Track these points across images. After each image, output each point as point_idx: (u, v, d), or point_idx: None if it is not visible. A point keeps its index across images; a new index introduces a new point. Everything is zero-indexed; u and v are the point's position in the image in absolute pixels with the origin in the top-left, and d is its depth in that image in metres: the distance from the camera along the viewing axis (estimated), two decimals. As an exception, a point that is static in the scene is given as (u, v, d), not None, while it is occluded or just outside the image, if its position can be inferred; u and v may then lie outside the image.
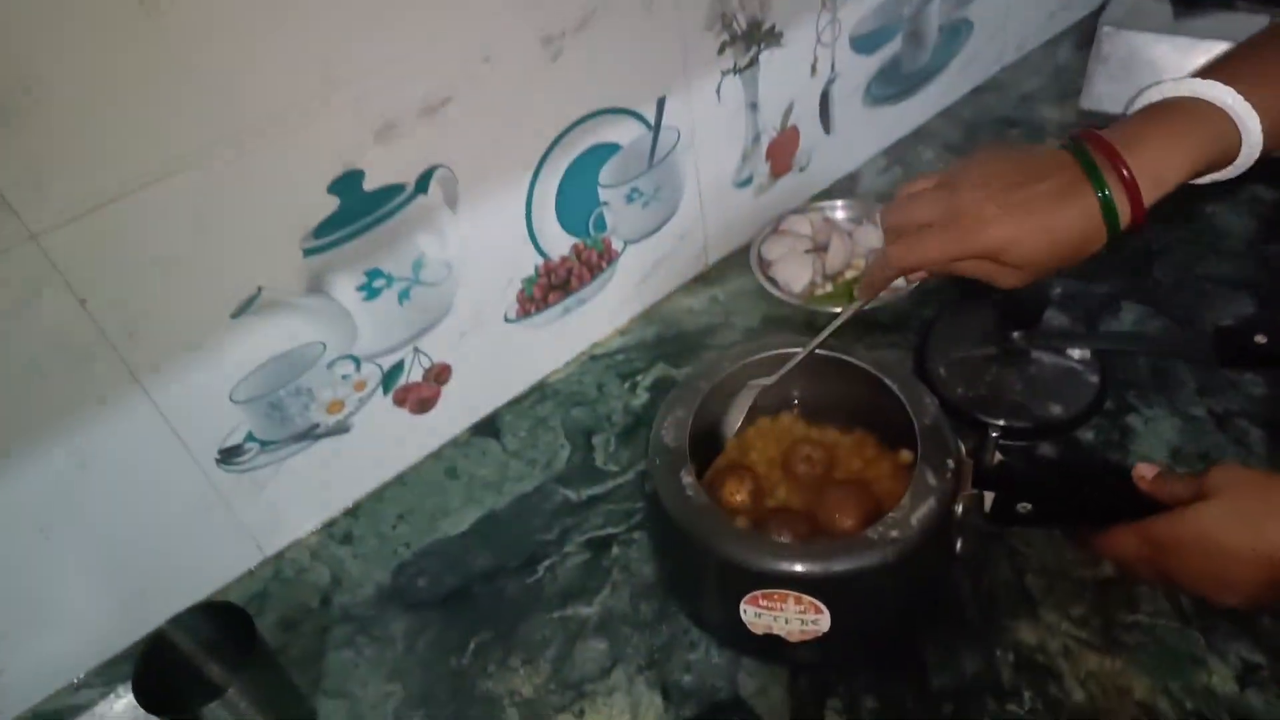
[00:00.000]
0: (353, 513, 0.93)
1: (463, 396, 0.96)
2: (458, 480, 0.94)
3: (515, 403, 1.01)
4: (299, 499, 0.90)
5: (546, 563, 0.86)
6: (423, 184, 0.82)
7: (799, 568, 0.65)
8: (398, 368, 0.90)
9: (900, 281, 1.02)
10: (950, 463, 0.69)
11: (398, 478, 0.95)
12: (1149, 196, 0.63)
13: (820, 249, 1.09)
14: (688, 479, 0.71)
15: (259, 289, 0.77)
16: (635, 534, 0.87)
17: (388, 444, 0.94)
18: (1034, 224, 0.63)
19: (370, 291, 0.84)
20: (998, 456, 0.69)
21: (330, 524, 0.92)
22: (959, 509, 0.69)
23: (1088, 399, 0.89)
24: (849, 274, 1.06)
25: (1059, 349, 0.91)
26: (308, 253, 0.78)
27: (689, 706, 0.75)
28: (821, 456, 0.78)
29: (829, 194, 1.22)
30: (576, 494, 0.91)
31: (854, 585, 0.65)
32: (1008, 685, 0.73)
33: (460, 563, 0.87)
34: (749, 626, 0.69)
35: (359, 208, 0.79)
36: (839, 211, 1.15)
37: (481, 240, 0.89)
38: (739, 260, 1.12)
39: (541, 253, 0.95)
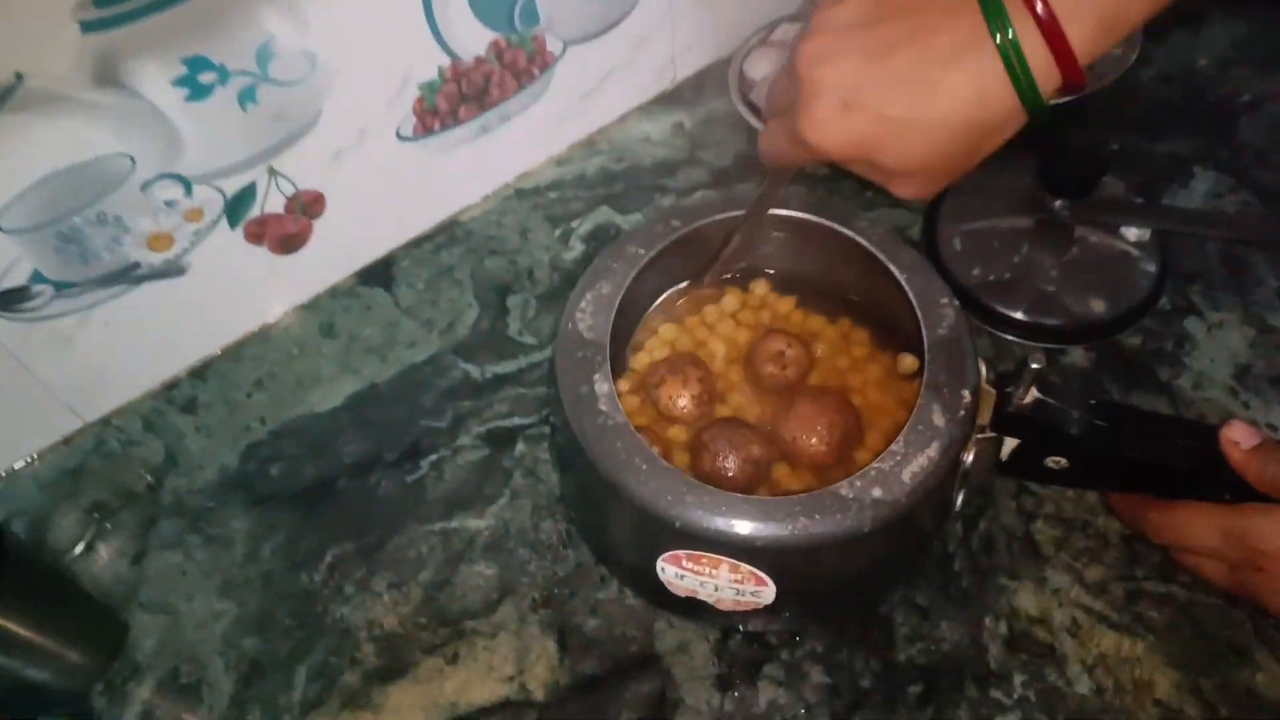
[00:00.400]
0: (200, 374, 0.74)
1: (342, 234, 0.75)
2: (334, 340, 0.75)
3: (415, 245, 0.80)
4: (125, 355, 0.70)
5: (432, 457, 0.68)
6: (261, -66, 0.58)
7: (738, 528, 0.47)
8: (246, 194, 0.68)
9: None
10: (966, 395, 0.50)
11: (260, 332, 0.76)
12: (1088, 40, 0.39)
13: (819, 70, 0.85)
14: (602, 385, 0.51)
15: (17, 76, 0.54)
16: (548, 428, 0.69)
17: (242, 290, 0.73)
18: (902, 107, 0.41)
19: (195, 89, 0.61)
20: (1033, 394, 0.50)
21: (171, 386, 0.73)
22: (968, 458, 0.50)
23: (1140, 293, 0.69)
24: (852, 106, 0.83)
25: (1112, 226, 0.70)
26: (87, 27, 0.55)
27: (590, 659, 0.59)
28: (798, 355, 0.58)
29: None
30: (480, 370, 0.72)
31: (813, 557, 0.48)
32: (995, 665, 0.57)
33: (325, 448, 0.69)
34: (667, 586, 0.52)
35: (160, -38, 0.55)
36: (848, 22, 0.90)
37: (358, 27, 0.65)
38: (714, 78, 0.88)
39: (447, 50, 0.71)
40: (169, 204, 0.65)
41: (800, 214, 0.58)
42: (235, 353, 0.75)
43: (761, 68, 0.84)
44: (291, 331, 0.75)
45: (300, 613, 0.62)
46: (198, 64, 0.60)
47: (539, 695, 0.58)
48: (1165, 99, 0.84)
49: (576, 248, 0.79)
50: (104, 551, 0.66)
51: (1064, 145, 0.66)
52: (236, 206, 0.68)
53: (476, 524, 0.65)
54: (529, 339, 0.74)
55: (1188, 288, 0.72)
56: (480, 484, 0.67)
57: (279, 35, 0.62)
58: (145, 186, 0.63)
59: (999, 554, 0.61)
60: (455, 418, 0.70)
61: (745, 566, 0.48)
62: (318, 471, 0.68)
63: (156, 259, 0.67)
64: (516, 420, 0.69)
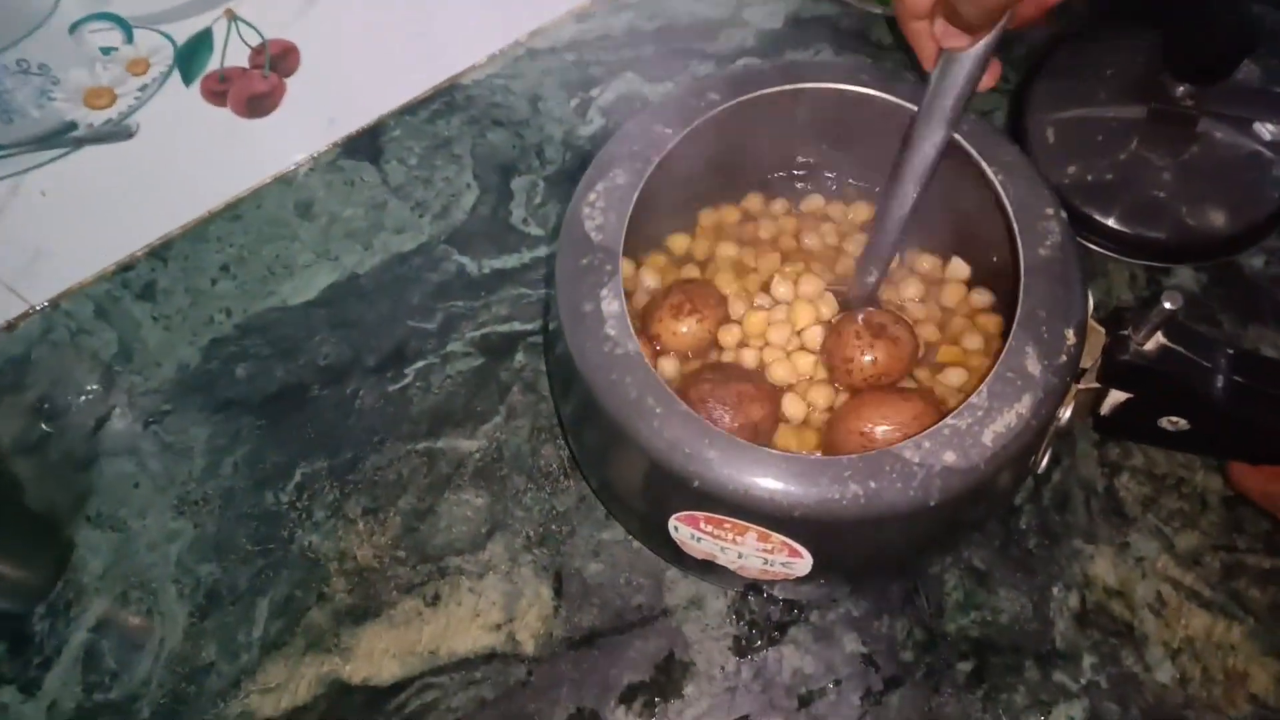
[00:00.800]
0: (159, 254, 0.64)
1: (322, 96, 0.64)
2: (312, 221, 0.65)
3: (408, 112, 0.68)
4: (71, 231, 0.61)
5: (419, 365, 0.59)
6: None
7: (773, 493, 0.38)
8: (201, 43, 0.57)
9: None
10: (1070, 336, 0.39)
11: (228, 209, 0.66)
12: None
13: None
14: (611, 304, 0.41)
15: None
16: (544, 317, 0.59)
17: (205, 159, 0.63)
18: None
19: (127, -95, 0.49)
20: (1158, 339, 0.39)
21: (126, 267, 0.64)
22: (1064, 414, 0.40)
23: (1269, 205, 0.57)
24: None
25: (1245, 120, 0.58)
26: None
27: (588, 610, 0.51)
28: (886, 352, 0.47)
29: None
30: (476, 264, 0.62)
31: (862, 531, 0.39)
32: (1061, 644, 0.49)
33: (298, 348, 0.60)
34: (680, 545, 0.43)
35: None
36: None
37: None
38: (769, -81, 0.74)
39: None
40: (106, 51, 0.54)
41: (858, 88, 0.46)
42: (199, 231, 0.65)
43: (826, -92, 0.70)
44: (264, 209, 0.65)
45: (264, 537, 0.55)
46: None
47: (529, 648, 0.50)
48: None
49: (595, 121, 0.67)
50: (49, 455, 0.58)
51: (1201, 13, 0.53)
52: (190, 58, 0.57)
53: (466, 445, 0.56)
54: (535, 229, 0.63)
55: (1327, 199, 0.59)
56: (472, 398, 0.58)
57: None
58: (74, 28, 0.52)
59: (1074, 512, 0.52)
60: (446, 319, 0.60)
61: (777, 536, 0.39)
62: (288, 375, 0.59)
63: (97, 118, 0.57)
64: (516, 325, 0.60)
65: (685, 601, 0.51)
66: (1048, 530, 0.51)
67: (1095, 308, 0.42)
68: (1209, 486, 0.52)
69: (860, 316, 0.46)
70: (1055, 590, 0.50)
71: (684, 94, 0.47)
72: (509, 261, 0.62)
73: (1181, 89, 0.57)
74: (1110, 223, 0.58)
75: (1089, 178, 0.58)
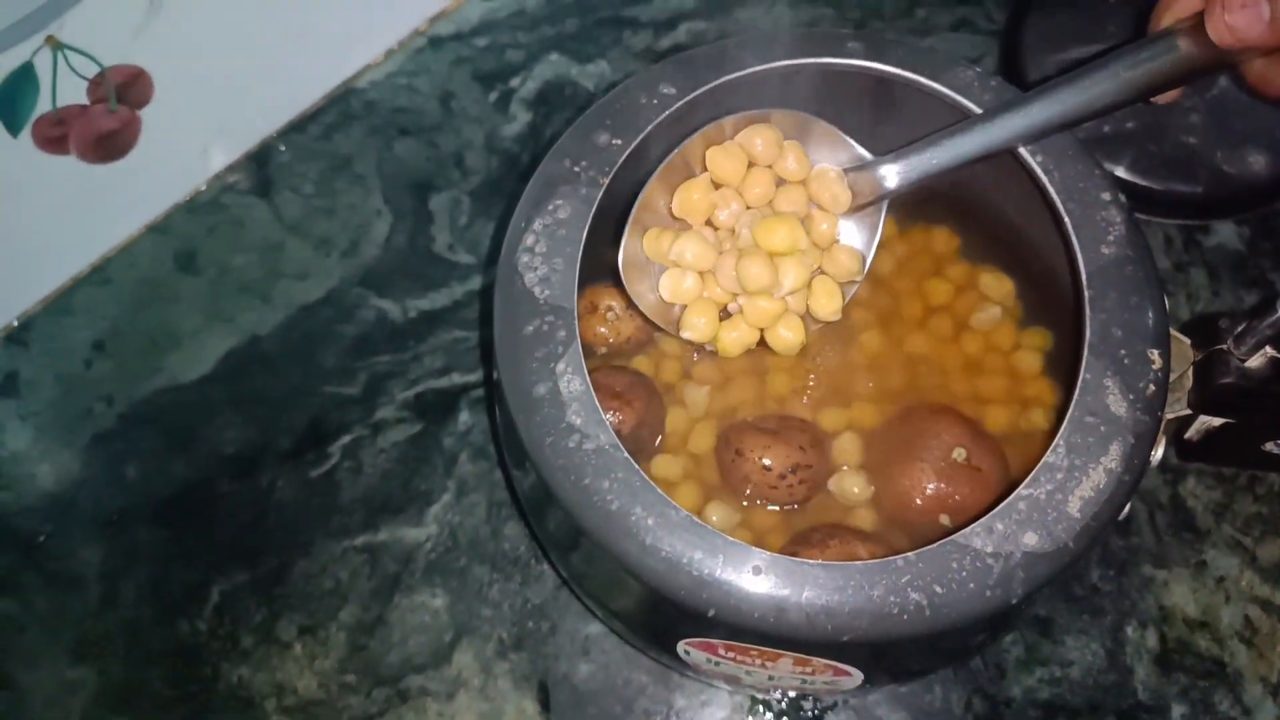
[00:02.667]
0: (18, 337, 0.53)
1: (188, 123, 0.53)
2: (196, 276, 0.54)
3: (297, 129, 0.57)
4: (-104, 325, 0.50)
5: (344, 440, 0.49)
6: None
7: (811, 616, 0.29)
8: (22, 81, 0.46)
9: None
10: (1155, 358, 0.31)
11: (94, 271, 0.55)
12: None
13: None
14: (571, 382, 0.32)
15: None
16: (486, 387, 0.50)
17: (56, 218, 0.52)
18: None
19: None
20: (1268, 352, 0.31)
21: (-22, 356, 0.53)
22: (1157, 454, 0.32)
23: (1313, 140, 0.49)
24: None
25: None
26: None
27: (585, 721, 0.43)
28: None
29: None
30: (400, 307, 0.52)
31: (927, 644, 0.30)
32: (1144, 694, 0.41)
33: (197, 435, 0.50)
34: (695, 668, 0.35)
35: None
36: None
37: None
38: None
39: None
40: (-105, 107, 0.43)
41: (867, 63, 0.37)
42: (62, 304, 0.54)
43: None
44: (137, 267, 0.54)
45: (183, 677, 0.45)
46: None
47: (519, 780, 0.42)
48: None
49: (520, 117, 0.57)
50: (-92, 604, 0.48)
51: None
52: (11, 101, 0.46)
53: (413, 534, 0.47)
54: (464, 256, 0.53)
55: (1374, 124, 0.52)
56: (413, 475, 0.48)
57: None
58: None
59: (1139, 532, 0.44)
60: (370, 380, 0.50)
61: (820, 660, 0.31)
62: (189, 471, 0.49)
63: (-99, 189, 0.46)
64: (456, 378, 0.50)
65: (698, 703, 0.43)
66: (1111, 558, 0.44)
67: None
68: (1287, 482, 0.44)
69: (935, 455, 0.36)
70: (1129, 630, 0.42)
71: (630, 88, 0.37)
72: (438, 300, 0.52)
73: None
74: (1135, 179, 0.49)
75: (1105, 129, 0.50)
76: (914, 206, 0.43)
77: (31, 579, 0.48)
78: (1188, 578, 0.43)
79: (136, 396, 0.51)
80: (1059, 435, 0.30)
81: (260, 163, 0.56)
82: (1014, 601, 0.29)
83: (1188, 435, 0.35)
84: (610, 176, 0.35)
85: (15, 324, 0.54)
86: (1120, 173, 0.49)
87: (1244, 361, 0.31)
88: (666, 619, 0.32)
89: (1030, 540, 0.29)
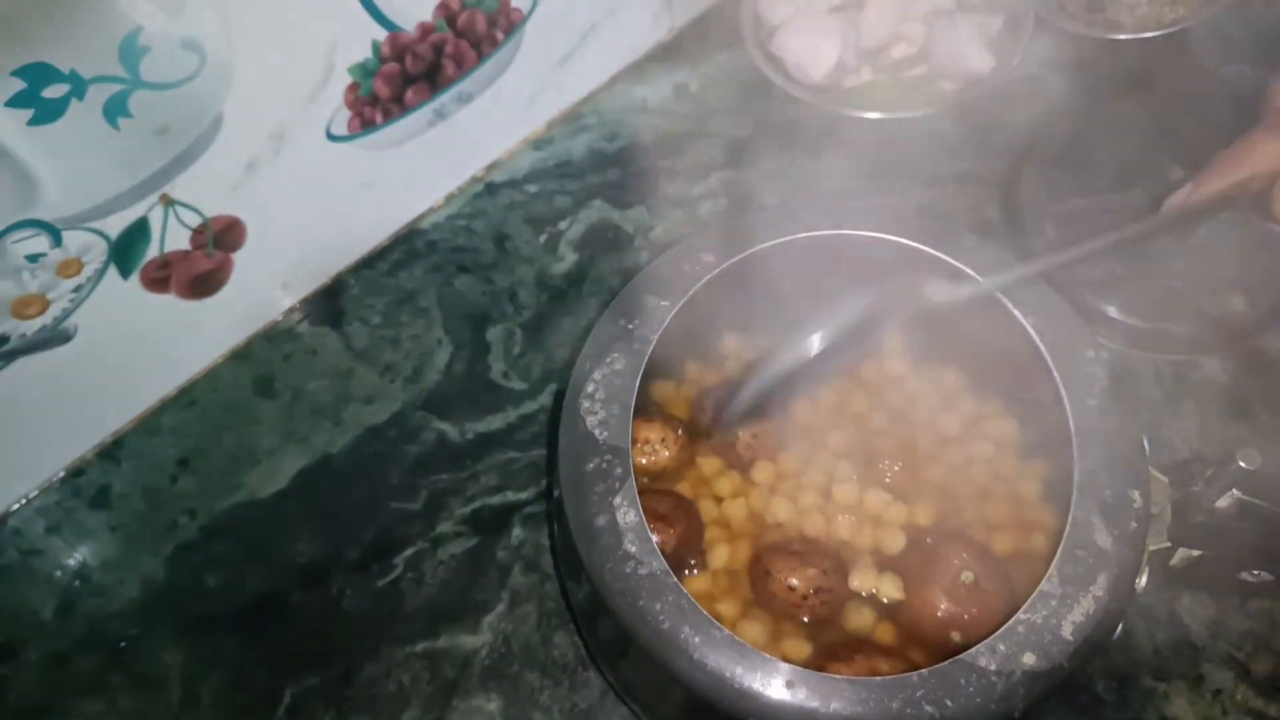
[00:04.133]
0: (111, 454, 0.59)
1: (272, 263, 0.60)
2: (273, 400, 0.60)
3: (366, 265, 0.64)
4: (11, 443, 0.56)
5: (407, 553, 0.54)
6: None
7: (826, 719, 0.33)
8: (137, 234, 0.52)
9: (975, 62, 0.63)
10: (1136, 498, 0.36)
11: (181, 394, 0.60)
12: None
13: (853, 5, 0.68)
14: (627, 514, 0.37)
15: None
16: (548, 505, 0.54)
17: (151, 348, 0.58)
18: None
19: (41, 107, 0.45)
20: (1234, 494, 0.35)
21: (76, 472, 0.59)
22: (1141, 582, 0.36)
23: (1285, 283, 0.55)
24: (897, 51, 0.66)
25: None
26: None
27: (630, 822, 0.46)
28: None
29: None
30: (458, 430, 0.58)
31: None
32: (1151, 805, 0.45)
33: (272, 547, 0.55)
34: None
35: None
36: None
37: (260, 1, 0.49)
38: (723, 22, 0.71)
39: (382, 19, 0.55)
40: (33, 259, 0.49)
41: (879, 235, 0.43)
42: (152, 424, 0.60)
43: (781, 7, 0.67)
44: (220, 391, 0.60)
45: (256, 775, 0.49)
46: (38, 74, 0.44)
47: None
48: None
49: (567, 257, 0.63)
50: (6, 702, 0.52)
51: (1195, 102, 0.50)
52: (126, 250, 0.53)
53: (470, 641, 0.51)
54: (517, 383, 0.59)
55: (1341, 268, 0.57)
56: (470, 586, 0.53)
57: (147, 23, 0.46)
58: (-8, 242, 0.47)
59: (1139, 647, 0.48)
60: (431, 497, 0.55)
61: (847, 765, 0.35)
62: (264, 581, 0.54)
63: (29, 327, 0.52)
64: (509, 495, 0.55)
65: (734, 802, 0.46)
66: (1114, 671, 0.47)
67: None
68: (1270, 602, 0.48)
69: (946, 578, 0.40)
70: (1134, 741, 0.46)
71: (675, 256, 0.43)
72: (493, 423, 0.58)
73: (1180, 173, 0.54)
74: (1126, 319, 0.54)
75: (1098, 273, 0.55)
76: (926, 348, 0.48)
77: (118, 680, 0.52)
78: (1186, 690, 0.47)
79: (217, 510, 0.56)
80: (1052, 566, 0.35)
81: (332, 296, 0.63)
82: (1015, 715, 0.33)
83: (1172, 563, 0.39)
84: (659, 333, 0.41)
85: (109, 440, 0.59)
86: (1112, 313, 0.54)
87: (1214, 503, 0.36)
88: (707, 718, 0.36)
89: (1029, 660, 0.33)
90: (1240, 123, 0.51)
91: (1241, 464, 0.34)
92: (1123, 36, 0.63)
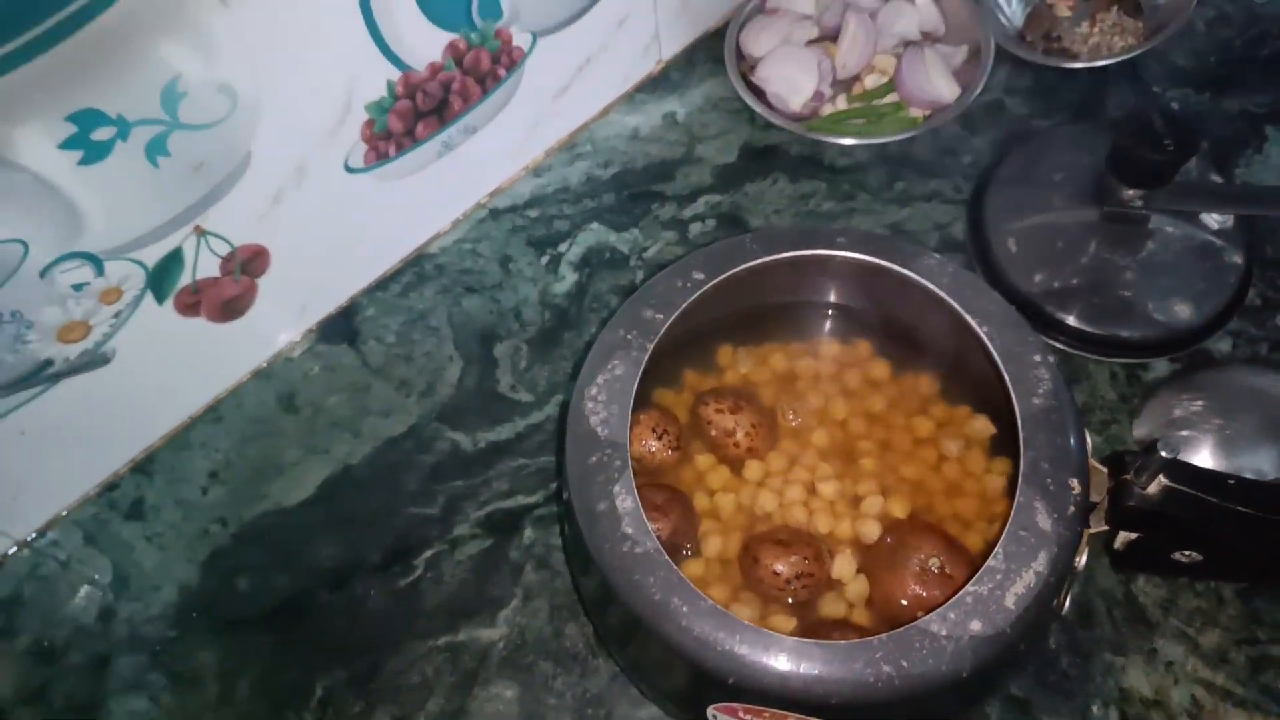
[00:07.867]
0: (144, 468, 0.63)
1: (293, 287, 0.64)
2: (296, 415, 0.64)
3: (380, 287, 0.68)
4: (51, 461, 0.60)
5: (426, 554, 0.58)
6: (144, -45, 0.45)
7: (807, 681, 0.38)
8: (172, 263, 0.57)
9: (945, 89, 0.68)
10: (1075, 485, 0.40)
11: (209, 410, 0.65)
12: None
13: (828, 38, 0.73)
14: (625, 501, 0.42)
15: None
16: (558, 512, 0.59)
17: (182, 368, 0.62)
18: None
19: (89, 149, 0.49)
20: (1160, 482, 0.40)
21: (111, 486, 0.63)
22: (1080, 560, 0.41)
23: (1228, 291, 0.60)
24: (869, 81, 0.72)
25: (1192, 212, 0.60)
26: (-69, 97, 0.43)
27: (638, 795, 0.50)
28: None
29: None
30: (470, 439, 0.62)
31: (900, 708, 0.39)
32: (1111, 766, 0.49)
33: (299, 552, 0.59)
34: (729, 736, 0.43)
35: None
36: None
37: (282, 47, 0.53)
38: (707, 55, 0.76)
39: (395, 60, 0.59)
40: (78, 288, 0.54)
41: (852, 254, 0.47)
42: (182, 439, 0.64)
43: (762, 41, 0.72)
44: (245, 407, 0.64)
45: (291, 761, 0.53)
46: (88, 119, 0.48)
47: (582, 846, 0.49)
48: (1225, 44, 0.73)
49: (568, 277, 0.68)
50: (53, 701, 0.56)
51: (1143, 127, 0.55)
52: (162, 278, 0.57)
53: (488, 634, 0.55)
54: (524, 395, 0.63)
55: (1278, 278, 0.62)
56: (485, 583, 0.57)
57: (185, 71, 0.50)
58: (45, 272, 0.52)
59: (1099, 625, 0.52)
60: (447, 502, 0.60)
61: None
62: (292, 583, 0.58)
63: (73, 351, 0.56)
64: (520, 499, 0.59)
65: (734, 773, 0.50)
66: (1077, 647, 0.52)
67: (1092, 450, 0.43)
68: (1221, 581, 0.53)
69: (915, 565, 0.45)
70: (1095, 709, 0.50)
71: (669, 274, 0.48)
72: (503, 432, 0.62)
73: (1129, 192, 0.59)
74: (1083, 326, 0.59)
75: (1055, 284, 0.60)
76: (904, 357, 0.53)
77: (158, 678, 0.56)
78: (1142, 663, 0.51)
79: (246, 519, 0.60)
80: (998, 545, 0.39)
81: (348, 317, 0.67)
82: (965, 675, 0.38)
83: (1115, 546, 0.44)
84: (654, 343, 0.46)
85: (142, 456, 0.63)
86: (1070, 320, 0.59)
87: (1144, 489, 0.40)
88: (699, 688, 0.40)
89: (976, 626, 0.38)
90: (1185, 144, 0.57)
91: (1163, 453, 0.39)
92: (1077, 65, 0.68)
